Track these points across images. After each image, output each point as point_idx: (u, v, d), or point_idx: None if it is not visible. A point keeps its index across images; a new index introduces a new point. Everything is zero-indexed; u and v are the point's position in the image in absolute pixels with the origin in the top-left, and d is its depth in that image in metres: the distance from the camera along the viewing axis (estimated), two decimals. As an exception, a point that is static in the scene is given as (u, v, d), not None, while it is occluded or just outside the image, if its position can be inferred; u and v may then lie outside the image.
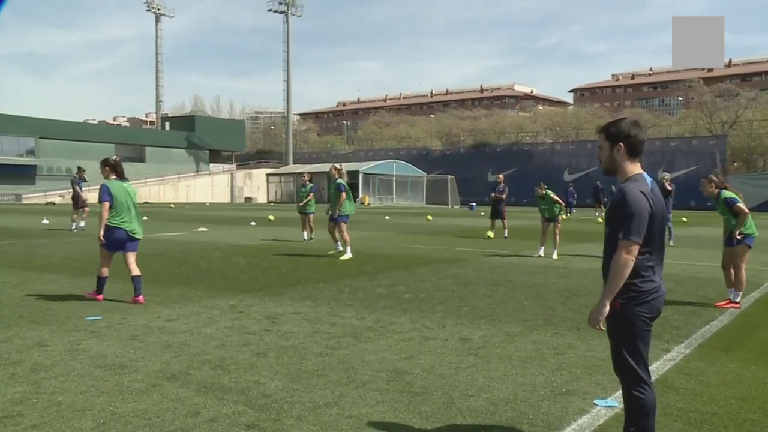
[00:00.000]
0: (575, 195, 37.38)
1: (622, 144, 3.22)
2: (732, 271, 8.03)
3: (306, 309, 7.45)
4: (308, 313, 7.20)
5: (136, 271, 7.70)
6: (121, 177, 7.86)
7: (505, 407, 4.18)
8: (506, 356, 5.44)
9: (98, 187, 7.88)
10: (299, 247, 14.97)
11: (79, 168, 21.01)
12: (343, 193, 12.73)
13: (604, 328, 3.22)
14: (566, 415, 4.04)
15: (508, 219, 18.91)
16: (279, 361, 5.19)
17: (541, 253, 13.55)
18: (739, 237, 7.97)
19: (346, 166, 20.34)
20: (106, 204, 7.62)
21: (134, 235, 7.76)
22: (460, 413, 4.06)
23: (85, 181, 19.97)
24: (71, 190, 20.14)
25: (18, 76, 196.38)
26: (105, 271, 7.82)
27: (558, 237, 13.55)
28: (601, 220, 30.23)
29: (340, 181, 12.93)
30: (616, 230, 3.10)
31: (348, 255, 12.51)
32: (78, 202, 19.53)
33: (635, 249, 3.05)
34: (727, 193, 8.02)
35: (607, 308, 3.15)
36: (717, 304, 7.89)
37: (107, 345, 5.67)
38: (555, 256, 13.16)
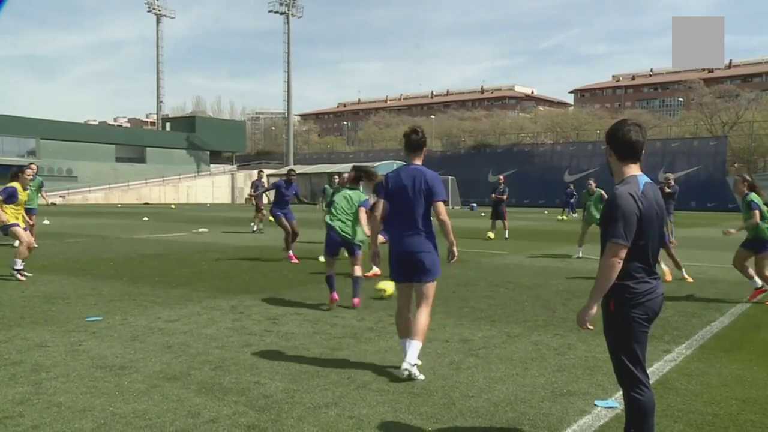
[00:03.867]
0: (575, 195, 37.36)
1: (611, 147, 3.23)
2: (750, 269, 8.29)
3: (307, 310, 7.45)
4: (309, 314, 7.20)
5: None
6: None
7: (506, 408, 4.18)
8: (507, 357, 5.44)
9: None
10: (300, 248, 14.96)
11: (259, 171, 21.21)
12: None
13: (592, 327, 3.23)
14: (567, 416, 4.03)
15: (509, 220, 18.91)
16: (279, 362, 5.19)
17: (581, 254, 13.52)
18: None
19: (346, 167, 20.53)
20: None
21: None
22: (460, 414, 4.06)
23: (263, 184, 19.69)
24: (252, 193, 19.83)
25: (19, 77, 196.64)
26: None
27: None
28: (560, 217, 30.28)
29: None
30: (605, 232, 3.11)
31: None
32: (259, 205, 19.32)
33: (622, 251, 3.04)
34: (754, 197, 8.09)
35: (595, 309, 3.16)
36: (749, 298, 8.26)
37: (108, 346, 5.67)
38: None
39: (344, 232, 7.71)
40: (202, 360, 5.23)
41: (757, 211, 7.96)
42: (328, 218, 7.80)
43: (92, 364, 5.08)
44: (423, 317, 4.91)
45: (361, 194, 7.91)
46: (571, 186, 38.29)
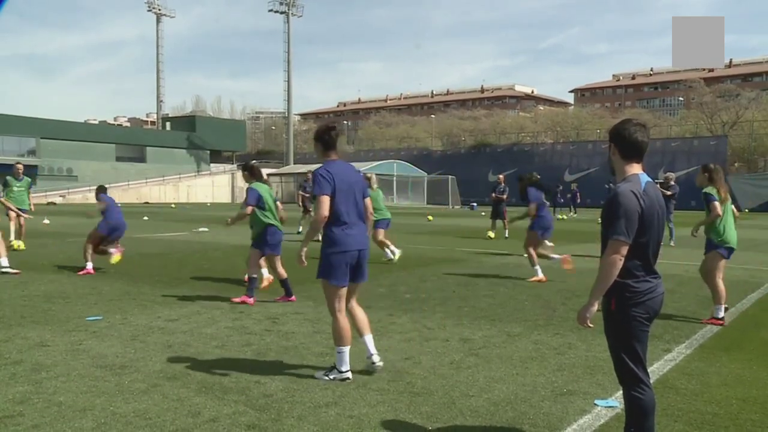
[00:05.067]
0: (579, 194, 37.41)
1: (616, 145, 3.24)
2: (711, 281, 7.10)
3: (307, 309, 7.45)
4: (309, 314, 7.20)
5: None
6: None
7: (506, 407, 4.18)
8: (507, 356, 5.44)
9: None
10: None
11: (309, 171, 20.83)
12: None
13: (592, 326, 3.23)
14: (567, 416, 4.03)
15: (509, 219, 18.90)
16: (280, 362, 5.19)
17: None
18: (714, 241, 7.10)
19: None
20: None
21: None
22: (460, 413, 4.06)
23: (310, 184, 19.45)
24: (301, 194, 19.36)
25: (19, 76, 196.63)
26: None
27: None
28: (561, 216, 30.26)
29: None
30: (607, 230, 3.11)
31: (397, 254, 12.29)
32: (307, 206, 18.86)
33: (623, 248, 3.05)
34: (711, 190, 7.21)
35: (596, 307, 3.17)
36: (703, 320, 7.02)
37: (108, 345, 5.67)
38: None
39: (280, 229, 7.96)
40: (203, 359, 5.24)
41: (716, 203, 7.02)
42: (266, 217, 7.80)
43: (92, 363, 5.08)
44: (363, 311, 5.09)
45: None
46: (574, 185, 38.33)
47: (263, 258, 8.09)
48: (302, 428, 3.78)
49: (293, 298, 7.91)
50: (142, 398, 4.26)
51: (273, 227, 7.85)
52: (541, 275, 10.08)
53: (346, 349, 4.72)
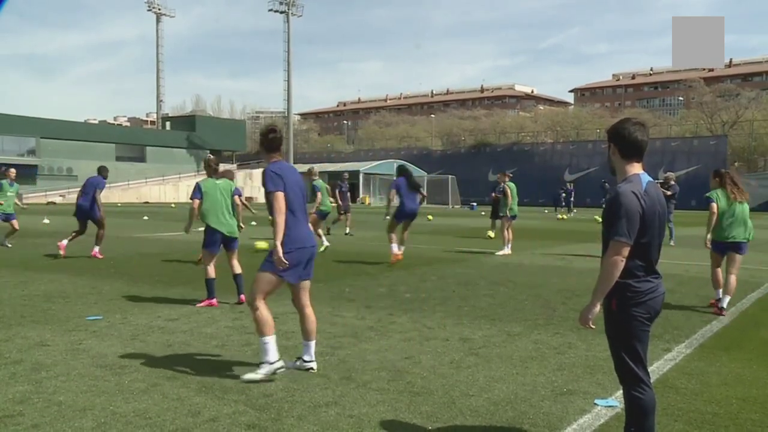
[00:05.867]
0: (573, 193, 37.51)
1: (615, 145, 3.23)
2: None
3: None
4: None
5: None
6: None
7: (506, 407, 4.17)
8: (507, 356, 5.44)
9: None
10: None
11: (344, 173, 20.48)
12: (319, 193, 13.83)
13: (594, 327, 3.23)
14: (567, 415, 4.03)
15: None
16: (280, 361, 5.18)
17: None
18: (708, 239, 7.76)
19: (346, 166, 20.61)
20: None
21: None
22: (460, 413, 4.06)
23: (347, 185, 18.98)
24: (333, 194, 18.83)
25: (19, 76, 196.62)
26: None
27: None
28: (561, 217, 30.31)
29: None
30: (608, 230, 3.11)
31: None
32: (342, 206, 18.77)
33: (625, 249, 3.05)
34: (710, 193, 7.70)
35: (598, 308, 3.16)
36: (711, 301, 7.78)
37: (108, 345, 5.67)
38: None
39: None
40: (203, 359, 5.24)
41: (712, 204, 7.52)
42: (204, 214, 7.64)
43: (92, 363, 5.08)
44: (313, 314, 5.00)
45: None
46: (570, 185, 38.40)
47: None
48: (302, 428, 3.78)
49: (214, 301, 7.64)
50: (142, 398, 4.26)
51: (209, 226, 7.54)
52: (396, 251, 11.50)
53: (272, 339, 4.64)
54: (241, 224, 8.26)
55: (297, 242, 4.67)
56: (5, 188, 14.41)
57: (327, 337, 6.06)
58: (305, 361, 4.88)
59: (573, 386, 4.62)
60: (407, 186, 11.69)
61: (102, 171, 12.71)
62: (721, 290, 7.55)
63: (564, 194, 37.56)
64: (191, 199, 7.63)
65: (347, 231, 18.96)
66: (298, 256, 4.66)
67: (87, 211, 12.33)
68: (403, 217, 11.73)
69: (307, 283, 4.93)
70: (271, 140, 4.90)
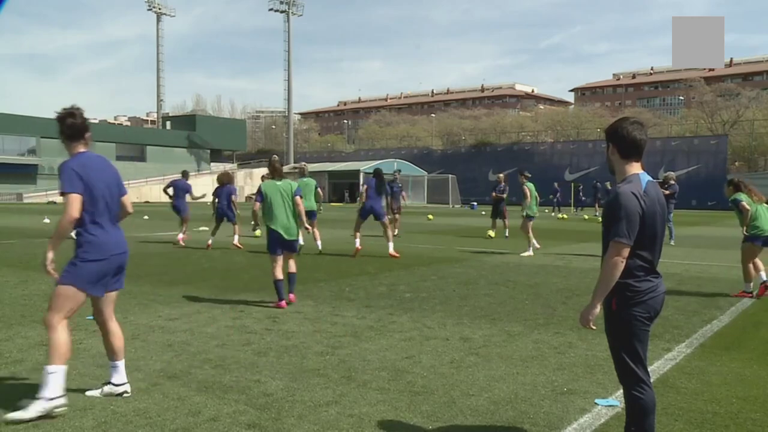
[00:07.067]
0: (559, 193, 37.43)
1: (614, 145, 3.22)
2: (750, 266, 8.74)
3: (307, 308, 7.45)
4: (309, 313, 7.20)
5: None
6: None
7: (506, 406, 4.18)
8: (507, 355, 5.44)
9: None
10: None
11: (397, 171, 19.87)
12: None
13: (595, 327, 3.22)
14: (567, 415, 4.03)
15: (509, 218, 18.91)
16: (280, 361, 5.19)
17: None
18: (745, 234, 8.69)
19: (346, 166, 20.52)
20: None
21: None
22: (461, 412, 4.06)
23: (399, 185, 18.28)
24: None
25: (20, 75, 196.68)
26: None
27: None
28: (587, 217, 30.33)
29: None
30: (608, 231, 3.11)
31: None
32: (392, 207, 18.00)
33: (625, 250, 3.04)
34: (739, 196, 8.74)
35: (598, 308, 3.15)
36: (732, 294, 8.66)
37: (108, 344, 5.67)
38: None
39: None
40: (203, 358, 5.24)
41: (743, 203, 8.58)
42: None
43: (93, 362, 5.08)
44: (119, 329, 4.37)
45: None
46: (557, 184, 38.32)
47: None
48: (302, 427, 3.78)
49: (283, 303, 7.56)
50: (142, 397, 4.26)
51: (269, 228, 7.51)
52: (358, 245, 12.97)
53: (62, 369, 3.92)
54: (307, 226, 8.23)
55: (104, 251, 4.07)
56: None
57: (327, 336, 6.06)
58: (115, 385, 4.23)
59: (573, 386, 4.62)
60: (375, 188, 13.02)
61: (184, 174, 15.14)
62: (752, 282, 8.58)
63: (551, 196, 37.47)
64: (254, 201, 7.74)
65: (395, 232, 18.12)
66: (105, 267, 4.06)
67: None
68: (366, 214, 12.98)
69: (113, 295, 4.30)
70: (70, 126, 4.13)
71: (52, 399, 3.83)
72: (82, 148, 4.17)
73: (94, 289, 4.09)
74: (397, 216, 18.73)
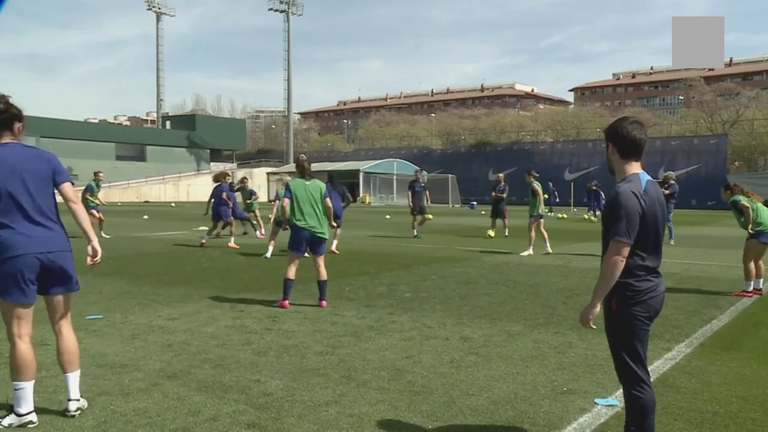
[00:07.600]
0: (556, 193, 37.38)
1: (613, 144, 3.22)
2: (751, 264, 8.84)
3: (307, 308, 7.45)
4: (309, 312, 7.20)
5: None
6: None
7: (506, 406, 4.18)
8: (507, 355, 5.44)
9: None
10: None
11: (418, 170, 19.71)
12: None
13: (595, 327, 3.22)
14: (567, 414, 4.03)
15: (509, 218, 18.92)
16: (280, 360, 5.19)
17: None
18: (750, 231, 8.72)
19: (347, 165, 20.65)
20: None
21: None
22: (460, 412, 4.06)
23: (422, 184, 18.12)
24: (409, 193, 18.13)
25: (20, 75, 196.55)
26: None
27: None
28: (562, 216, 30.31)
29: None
30: (608, 230, 3.10)
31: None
32: (416, 206, 17.86)
33: (625, 249, 3.04)
34: (736, 197, 8.85)
35: (598, 308, 3.15)
36: (733, 293, 8.73)
37: (108, 344, 5.67)
38: None
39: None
40: (203, 358, 5.24)
41: (743, 202, 8.68)
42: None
43: (93, 362, 5.08)
44: (74, 338, 3.98)
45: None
46: (551, 184, 38.35)
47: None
48: (302, 427, 3.78)
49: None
50: (142, 397, 4.26)
51: (295, 225, 7.51)
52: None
53: (29, 385, 3.72)
54: (333, 224, 8.18)
55: (7, 251, 3.62)
56: None
57: (327, 336, 6.06)
58: (68, 400, 3.90)
59: (573, 385, 4.62)
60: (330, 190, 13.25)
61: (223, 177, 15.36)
62: (752, 281, 8.70)
63: (547, 195, 37.47)
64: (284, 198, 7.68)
65: (415, 233, 17.99)
66: (10, 269, 3.61)
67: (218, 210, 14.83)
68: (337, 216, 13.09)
69: (59, 300, 3.90)
70: None
71: (24, 414, 3.70)
72: (8, 139, 3.79)
73: (10, 295, 3.65)
74: (426, 215, 18.86)
